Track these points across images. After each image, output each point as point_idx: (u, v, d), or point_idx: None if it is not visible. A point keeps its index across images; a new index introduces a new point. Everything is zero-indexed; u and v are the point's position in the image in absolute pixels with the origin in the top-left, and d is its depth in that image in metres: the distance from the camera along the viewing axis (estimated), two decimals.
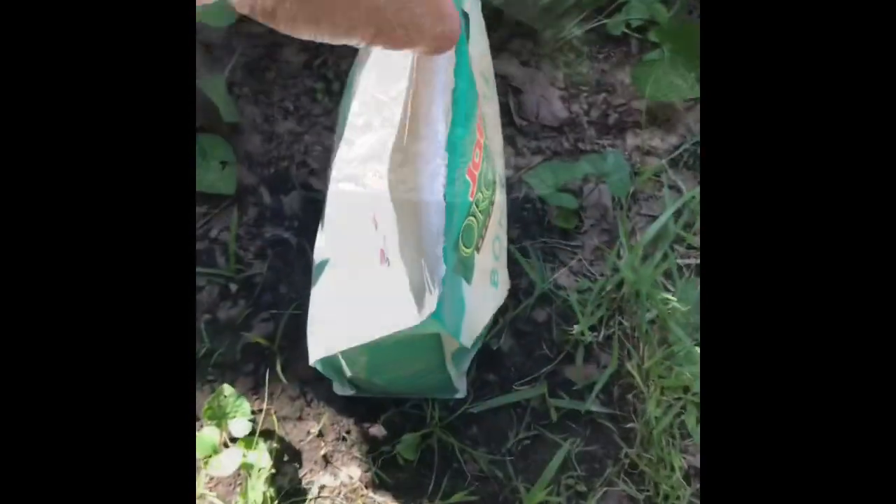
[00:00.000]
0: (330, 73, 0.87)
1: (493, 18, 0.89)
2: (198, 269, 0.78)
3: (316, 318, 0.60)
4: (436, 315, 0.48)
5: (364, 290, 0.56)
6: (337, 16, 0.30)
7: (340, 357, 0.62)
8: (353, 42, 0.32)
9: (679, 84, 0.81)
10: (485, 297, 0.60)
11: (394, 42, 0.33)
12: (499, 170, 0.66)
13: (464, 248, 0.53)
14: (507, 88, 0.87)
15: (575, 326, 0.76)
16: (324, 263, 0.60)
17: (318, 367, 0.62)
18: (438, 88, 0.51)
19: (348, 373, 0.66)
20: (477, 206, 0.55)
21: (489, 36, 0.88)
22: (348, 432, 0.73)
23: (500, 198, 0.64)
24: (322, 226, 0.61)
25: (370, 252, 0.55)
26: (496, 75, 0.86)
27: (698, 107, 0.85)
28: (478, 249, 0.56)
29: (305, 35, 0.31)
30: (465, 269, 0.54)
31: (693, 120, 0.86)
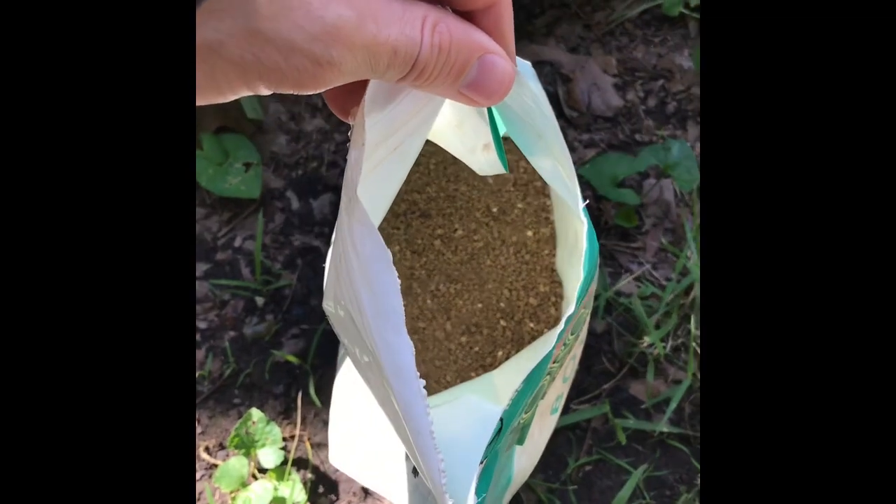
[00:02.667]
0: None
1: (538, 1, 0.82)
2: (222, 282, 0.71)
3: (341, 425, 0.58)
4: None
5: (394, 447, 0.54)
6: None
7: None
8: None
9: None
10: (542, 433, 0.54)
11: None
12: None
13: (524, 415, 0.45)
14: (554, 77, 0.79)
15: (646, 338, 0.68)
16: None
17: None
18: None
19: None
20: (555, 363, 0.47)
21: (532, 21, 0.81)
22: None
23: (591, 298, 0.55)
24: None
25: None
26: (544, 62, 0.79)
27: None
28: (543, 396, 0.48)
29: None
30: (521, 433, 0.47)
31: None
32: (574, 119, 0.77)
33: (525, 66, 0.52)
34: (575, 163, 0.75)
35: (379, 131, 0.30)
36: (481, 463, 0.39)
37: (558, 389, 0.56)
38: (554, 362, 0.45)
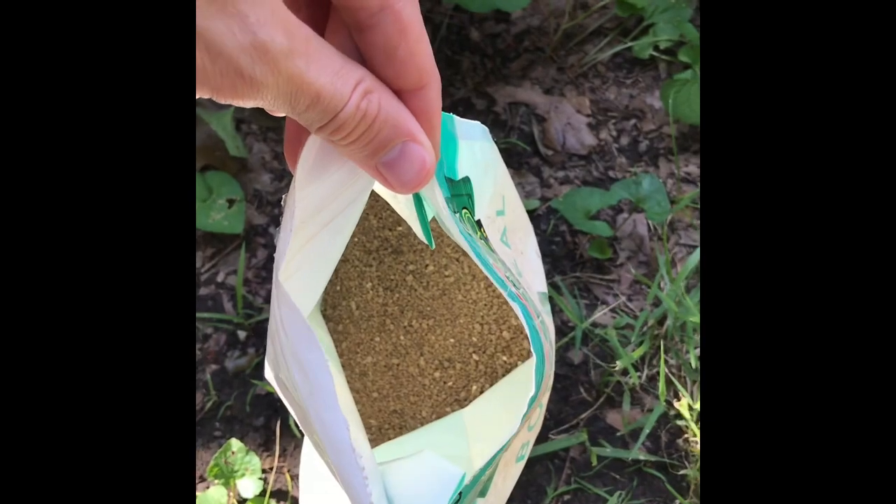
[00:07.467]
0: None
1: (513, 46, 0.85)
2: (204, 316, 0.72)
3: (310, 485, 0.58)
4: None
5: None
6: None
7: None
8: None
9: None
10: (505, 482, 0.55)
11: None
12: (548, 325, 0.55)
13: (484, 474, 0.44)
14: (530, 117, 0.82)
15: (618, 363, 0.69)
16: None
17: None
18: None
19: None
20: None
21: (507, 65, 0.84)
22: None
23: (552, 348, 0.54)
24: None
25: None
26: (519, 103, 0.82)
27: None
28: (506, 449, 0.47)
29: None
30: (484, 487, 0.47)
31: None
32: (549, 157, 0.80)
33: (477, 127, 0.52)
34: (549, 198, 0.77)
35: (309, 204, 0.30)
36: None
37: (523, 438, 0.56)
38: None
